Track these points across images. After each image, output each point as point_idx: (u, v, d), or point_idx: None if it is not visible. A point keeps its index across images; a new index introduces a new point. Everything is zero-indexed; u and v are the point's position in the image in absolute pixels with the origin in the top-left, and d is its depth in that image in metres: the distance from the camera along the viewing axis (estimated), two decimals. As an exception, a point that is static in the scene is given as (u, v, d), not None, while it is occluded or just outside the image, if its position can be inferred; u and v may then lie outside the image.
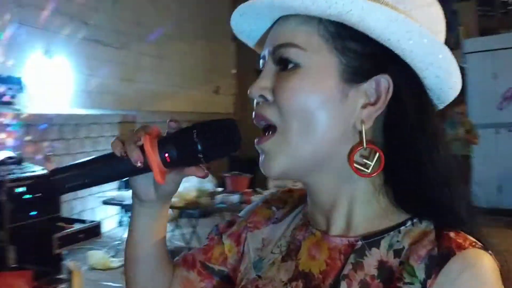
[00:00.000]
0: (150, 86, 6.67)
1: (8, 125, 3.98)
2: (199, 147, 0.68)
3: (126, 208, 4.83)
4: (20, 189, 3.11)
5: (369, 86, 0.64)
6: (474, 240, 0.60)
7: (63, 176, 0.68)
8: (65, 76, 4.93)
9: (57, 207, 3.49)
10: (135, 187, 0.75)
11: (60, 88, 4.86)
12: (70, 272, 3.37)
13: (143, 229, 0.79)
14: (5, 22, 4.02)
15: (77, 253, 4.12)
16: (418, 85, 0.64)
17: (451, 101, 0.70)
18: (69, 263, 3.45)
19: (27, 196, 3.15)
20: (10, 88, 4.07)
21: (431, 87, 0.65)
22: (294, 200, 0.80)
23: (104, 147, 5.55)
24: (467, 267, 0.57)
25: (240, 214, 0.85)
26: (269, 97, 0.65)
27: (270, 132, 0.65)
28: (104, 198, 4.57)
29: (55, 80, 4.74)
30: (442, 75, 0.64)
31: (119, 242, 4.75)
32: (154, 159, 0.68)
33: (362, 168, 0.64)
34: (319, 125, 0.63)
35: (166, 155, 0.68)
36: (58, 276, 3.42)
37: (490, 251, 0.59)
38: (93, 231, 3.55)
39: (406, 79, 0.63)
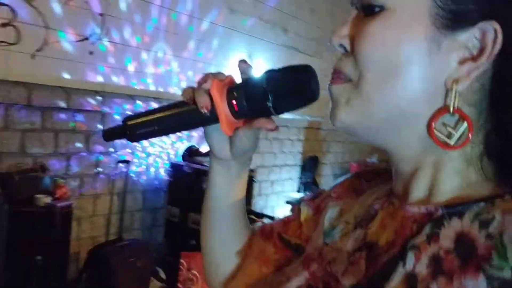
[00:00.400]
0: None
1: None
2: (270, 97, 0.62)
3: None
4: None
5: (470, 36, 0.52)
6: None
7: (134, 123, 0.66)
8: (262, 80, 5.24)
9: (249, 201, 3.72)
10: (209, 142, 0.72)
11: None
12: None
13: (219, 189, 0.76)
14: (216, 26, 4.42)
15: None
16: None
17: None
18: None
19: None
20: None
21: None
22: (388, 172, 0.65)
23: (289, 150, 5.78)
24: None
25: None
26: (348, 46, 0.57)
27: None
28: (288, 199, 4.73)
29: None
30: None
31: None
32: (220, 105, 0.64)
33: (444, 138, 0.54)
34: (400, 79, 0.53)
35: (234, 102, 0.64)
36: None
37: None
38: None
39: None
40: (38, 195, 2.71)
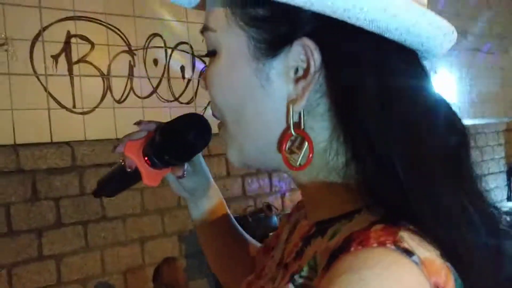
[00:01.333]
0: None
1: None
2: (167, 157, 0.71)
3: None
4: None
5: (293, 56, 0.50)
6: (404, 241, 0.41)
7: (100, 189, 0.79)
8: (449, 88, 5.02)
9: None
10: (171, 188, 0.83)
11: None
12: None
13: (197, 222, 0.86)
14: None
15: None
16: (369, 41, 0.48)
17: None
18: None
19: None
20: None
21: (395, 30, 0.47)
22: None
23: (491, 157, 5.37)
24: (347, 271, 0.40)
25: None
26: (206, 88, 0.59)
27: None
28: (508, 209, 4.39)
29: (441, 93, 4.88)
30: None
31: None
32: (137, 162, 0.72)
33: (291, 160, 0.53)
34: (248, 116, 0.54)
35: (146, 158, 0.71)
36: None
37: (415, 257, 0.40)
38: None
39: (345, 35, 0.48)
40: (270, 234, 2.92)
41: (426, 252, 0.42)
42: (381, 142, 0.47)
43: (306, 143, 0.51)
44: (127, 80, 2.61)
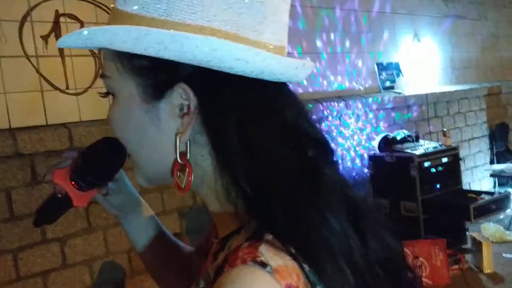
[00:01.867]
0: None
1: (393, 108, 4.35)
2: (90, 178, 0.77)
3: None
4: (426, 164, 3.38)
5: (176, 97, 0.60)
6: (260, 255, 0.51)
7: (38, 214, 0.80)
8: (432, 55, 5.07)
9: (459, 180, 3.64)
10: (104, 208, 0.88)
11: (429, 68, 5.03)
12: (476, 243, 3.46)
13: (132, 237, 0.93)
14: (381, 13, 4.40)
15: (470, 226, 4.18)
16: (222, 82, 0.58)
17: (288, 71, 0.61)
18: (474, 233, 3.53)
19: (433, 170, 3.39)
20: (391, 74, 4.45)
21: (247, 71, 0.57)
22: None
23: (473, 122, 5.48)
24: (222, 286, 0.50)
25: None
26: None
27: None
28: (492, 171, 4.50)
29: (424, 61, 4.94)
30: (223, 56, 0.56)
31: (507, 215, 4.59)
32: (66, 187, 0.78)
33: (181, 183, 0.62)
34: (146, 149, 0.64)
35: (73, 183, 0.77)
36: (464, 246, 3.55)
37: (269, 267, 0.50)
38: (503, 201, 3.55)
39: (214, 79, 0.59)
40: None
41: (279, 260, 0.51)
42: (242, 169, 0.58)
43: (187, 170, 0.61)
44: (119, 59, 2.57)
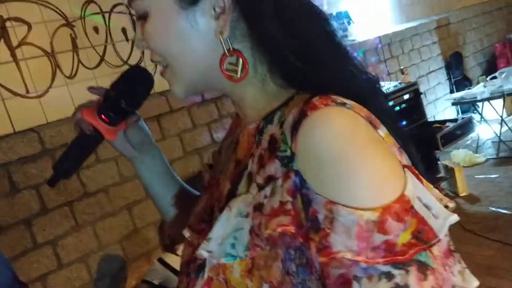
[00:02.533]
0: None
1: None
2: (122, 101, 0.82)
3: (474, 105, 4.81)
4: (389, 104, 3.48)
5: (208, 1, 0.67)
6: (336, 100, 0.61)
7: (58, 166, 0.84)
8: (378, -2, 5.15)
9: (423, 114, 3.76)
10: (119, 151, 0.92)
11: (378, 10, 5.11)
12: (449, 170, 3.62)
13: (146, 181, 0.97)
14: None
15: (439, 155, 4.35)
16: None
17: None
18: (445, 162, 3.69)
19: (396, 108, 3.50)
20: (341, 23, 4.50)
21: None
22: None
23: (428, 56, 5.61)
24: (316, 125, 0.58)
25: None
26: (145, 44, 0.72)
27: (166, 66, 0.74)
28: (453, 100, 4.65)
29: (372, 4, 5.01)
30: None
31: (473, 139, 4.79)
32: (95, 123, 0.83)
33: (232, 74, 0.69)
34: (188, 54, 0.70)
35: (103, 116, 0.83)
36: (438, 176, 3.71)
37: (348, 105, 0.60)
38: (467, 126, 3.70)
39: None
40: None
41: (350, 101, 0.61)
42: (285, 46, 0.66)
43: (241, 59, 0.69)
44: (73, 54, 2.54)
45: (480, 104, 4.70)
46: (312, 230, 0.58)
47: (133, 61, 2.78)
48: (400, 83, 3.93)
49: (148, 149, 0.96)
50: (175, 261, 2.32)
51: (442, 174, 3.74)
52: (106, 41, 2.67)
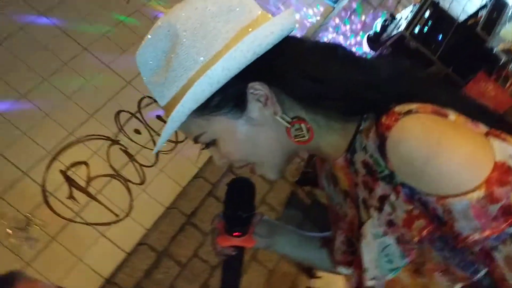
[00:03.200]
0: None
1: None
2: (242, 214, 0.94)
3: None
4: (417, 29, 3.42)
5: (252, 97, 0.77)
6: (401, 111, 0.67)
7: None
8: None
9: (452, 18, 3.64)
10: (257, 246, 1.03)
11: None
12: (507, 52, 3.47)
13: (291, 256, 1.13)
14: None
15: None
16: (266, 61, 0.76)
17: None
18: (500, 46, 3.54)
19: (425, 29, 3.43)
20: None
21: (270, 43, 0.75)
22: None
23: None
24: (399, 141, 0.65)
25: None
26: (226, 160, 0.84)
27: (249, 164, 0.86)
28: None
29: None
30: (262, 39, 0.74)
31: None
32: (234, 242, 0.95)
33: (301, 139, 0.79)
34: (263, 146, 0.81)
35: (235, 234, 0.94)
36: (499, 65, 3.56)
37: (413, 110, 0.66)
38: (498, 4, 3.53)
39: (256, 70, 0.76)
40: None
41: (410, 105, 0.68)
42: (322, 90, 0.75)
43: (302, 124, 0.78)
44: (133, 163, 2.70)
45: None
46: (439, 224, 0.65)
47: (181, 137, 2.91)
48: (414, 5, 3.84)
49: (278, 233, 1.07)
50: (323, 284, 2.38)
51: (504, 59, 3.59)
52: (151, 135, 2.82)
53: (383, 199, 0.72)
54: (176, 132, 2.94)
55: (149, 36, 0.78)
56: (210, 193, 2.71)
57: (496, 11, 3.54)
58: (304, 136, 0.79)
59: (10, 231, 2.21)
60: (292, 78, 0.75)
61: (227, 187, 0.97)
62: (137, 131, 2.80)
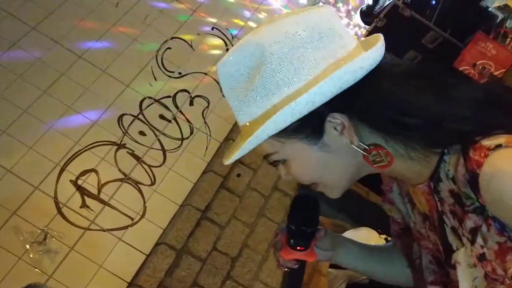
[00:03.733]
0: None
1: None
2: (304, 228, 0.96)
3: None
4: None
5: (330, 126, 0.78)
6: (490, 146, 0.66)
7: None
8: None
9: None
10: (319, 259, 1.06)
11: None
12: (503, 8, 3.42)
13: (353, 267, 1.13)
14: None
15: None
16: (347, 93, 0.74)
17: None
18: (494, 5, 3.49)
19: None
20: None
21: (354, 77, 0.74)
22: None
23: None
24: (493, 178, 0.64)
25: None
26: (292, 178, 0.85)
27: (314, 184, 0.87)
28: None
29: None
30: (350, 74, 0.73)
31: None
32: (297, 256, 0.97)
33: (380, 164, 0.79)
34: (333, 173, 0.83)
35: (298, 248, 0.96)
36: (498, 23, 3.50)
37: (503, 144, 0.65)
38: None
39: (340, 102, 0.75)
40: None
41: (498, 138, 0.68)
42: (401, 120, 0.75)
43: (380, 151, 0.78)
44: (141, 164, 2.70)
45: None
46: None
47: (186, 133, 2.89)
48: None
49: (339, 245, 1.08)
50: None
51: (500, 17, 3.53)
52: (156, 135, 2.82)
53: (475, 230, 0.72)
54: (180, 130, 2.96)
55: (235, 51, 0.78)
56: (222, 186, 2.70)
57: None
58: (383, 161, 0.79)
59: (28, 247, 2.22)
60: (375, 111, 0.76)
61: (292, 201, 0.99)
62: (142, 133, 2.80)
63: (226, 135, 2.95)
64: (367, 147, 0.78)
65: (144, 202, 2.59)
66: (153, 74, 2.98)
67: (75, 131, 2.63)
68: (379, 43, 0.77)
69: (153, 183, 2.66)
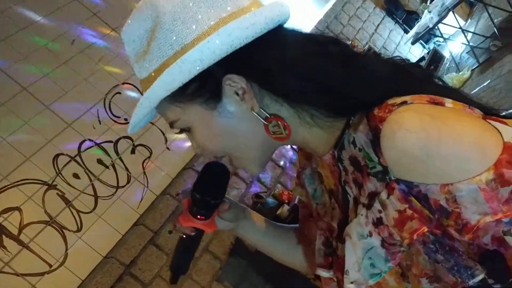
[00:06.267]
0: None
1: None
2: (210, 200, 0.92)
3: None
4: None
5: (229, 89, 0.73)
6: (394, 103, 0.63)
7: (175, 267, 0.97)
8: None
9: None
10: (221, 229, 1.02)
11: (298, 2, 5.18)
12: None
13: (252, 240, 1.07)
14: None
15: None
16: (243, 55, 0.70)
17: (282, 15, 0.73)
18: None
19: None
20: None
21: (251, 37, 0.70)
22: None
23: (366, 15, 5.67)
24: (394, 133, 0.60)
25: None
26: (204, 151, 0.81)
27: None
28: (411, 40, 4.64)
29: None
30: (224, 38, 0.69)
31: (449, 61, 4.77)
32: (195, 225, 0.93)
33: (280, 135, 0.76)
34: (241, 139, 0.78)
35: (198, 217, 0.93)
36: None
37: (408, 101, 0.62)
38: (436, 57, 3.69)
39: (237, 60, 0.71)
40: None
41: (404, 97, 0.65)
42: (306, 87, 0.71)
43: (279, 122, 0.74)
44: (69, 209, 2.59)
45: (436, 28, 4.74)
46: (443, 217, 0.60)
47: (122, 181, 2.82)
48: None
49: (244, 217, 1.04)
50: None
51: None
52: (90, 180, 2.73)
53: (372, 195, 0.67)
54: (117, 177, 2.88)
55: (133, 15, 0.75)
56: (151, 241, 2.62)
57: (434, 63, 3.71)
58: (282, 134, 0.76)
59: None
60: (274, 74, 0.71)
61: (202, 168, 0.93)
62: (76, 176, 2.70)
63: (164, 189, 2.90)
64: (268, 115, 0.74)
65: (66, 249, 2.46)
66: (98, 116, 2.92)
67: (6, 164, 2.51)
68: (276, 2, 0.74)
69: (79, 230, 2.54)
